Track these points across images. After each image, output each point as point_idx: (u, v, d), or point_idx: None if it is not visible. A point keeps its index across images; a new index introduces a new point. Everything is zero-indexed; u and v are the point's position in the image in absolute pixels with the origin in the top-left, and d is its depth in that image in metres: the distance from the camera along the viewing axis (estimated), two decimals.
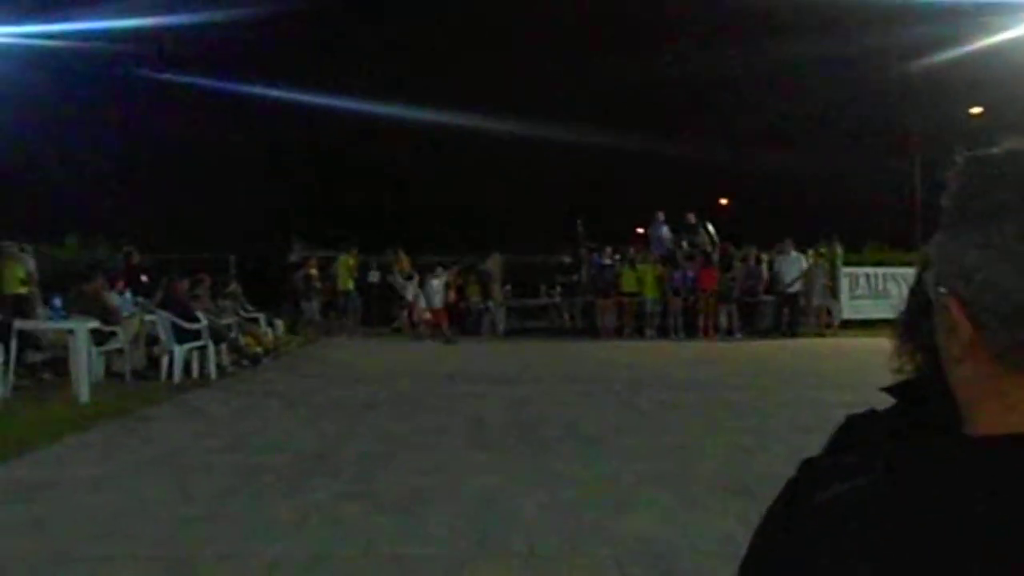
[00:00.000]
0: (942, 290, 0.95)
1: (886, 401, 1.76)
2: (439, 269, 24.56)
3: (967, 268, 0.91)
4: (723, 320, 23.98)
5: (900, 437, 1.12)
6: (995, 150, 0.96)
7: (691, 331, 23.54)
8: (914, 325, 1.91)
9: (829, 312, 24.96)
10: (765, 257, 24.40)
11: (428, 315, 23.98)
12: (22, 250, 19.61)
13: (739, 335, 23.38)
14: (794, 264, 23.87)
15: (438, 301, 23.76)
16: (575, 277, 25.46)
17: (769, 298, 24.04)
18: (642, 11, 44.03)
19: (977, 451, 0.89)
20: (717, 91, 46.97)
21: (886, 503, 0.85)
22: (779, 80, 44.22)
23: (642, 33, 46.53)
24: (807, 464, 1.46)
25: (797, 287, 23.82)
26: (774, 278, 23.96)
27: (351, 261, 25.55)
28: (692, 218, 26.20)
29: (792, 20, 37.36)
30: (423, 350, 20.63)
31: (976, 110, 37.26)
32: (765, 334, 23.36)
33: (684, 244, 25.07)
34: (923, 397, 1.66)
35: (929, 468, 0.87)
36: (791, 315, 23.86)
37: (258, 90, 41.51)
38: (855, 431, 1.72)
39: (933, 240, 1.00)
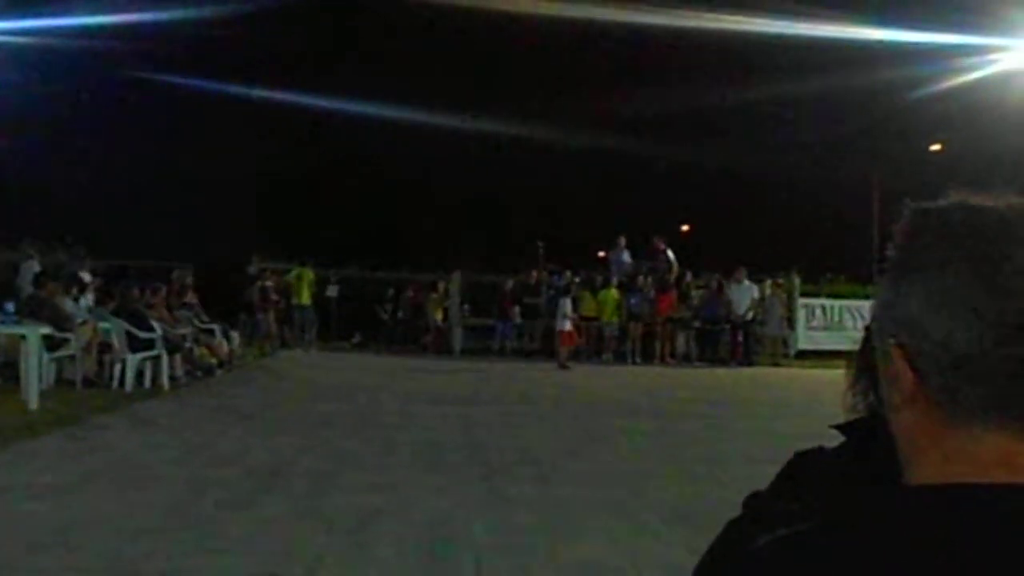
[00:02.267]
0: (890, 340, 0.96)
1: (837, 437, 1.76)
2: (572, 287, 23.77)
3: (909, 318, 0.93)
4: (680, 346, 24.06)
5: (846, 480, 1.12)
6: (942, 202, 0.98)
7: (648, 357, 23.59)
8: (869, 363, 1.92)
9: (785, 342, 25.12)
10: (725, 284, 24.50)
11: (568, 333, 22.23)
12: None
13: (696, 362, 23.47)
14: (746, 292, 24.00)
15: (566, 321, 22.04)
16: (530, 299, 25.38)
17: (728, 326, 24.12)
18: (617, 43, 44.28)
19: (913, 502, 0.89)
20: (682, 122, 47.26)
21: (821, 552, 0.85)
22: (745, 114, 44.63)
23: (616, 63, 46.80)
24: (751, 500, 1.46)
25: (750, 315, 23.95)
26: (728, 306, 24.07)
27: (310, 275, 25.38)
28: (662, 244, 26.14)
29: (761, 58, 37.73)
30: (378, 367, 20.53)
31: (935, 147, 37.78)
32: (723, 362, 23.45)
33: (644, 270, 25.04)
34: (873, 436, 1.67)
35: (866, 518, 0.87)
36: (745, 343, 23.97)
37: (220, 93, 41.30)
38: (803, 468, 1.72)
39: (877, 288, 1.02)
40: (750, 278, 24.51)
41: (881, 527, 0.86)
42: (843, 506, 0.91)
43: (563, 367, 21.05)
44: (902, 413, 0.96)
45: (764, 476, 1.78)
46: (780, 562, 0.86)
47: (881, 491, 0.93)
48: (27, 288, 16.25)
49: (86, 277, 19.28)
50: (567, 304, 21.96)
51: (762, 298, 24.29)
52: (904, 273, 0.96)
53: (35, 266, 19.74)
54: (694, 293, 24.72)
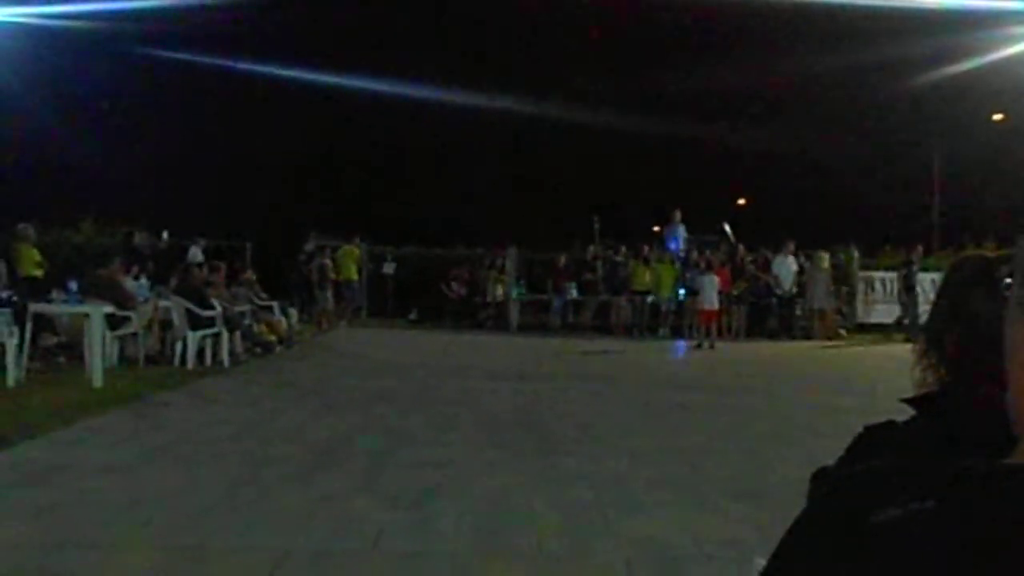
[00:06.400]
0: None
1: (901, 409, 1.74)
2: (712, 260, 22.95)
3: None
4: (735, 321, 23.87)
5: (939, 457, 1.07)
6: None
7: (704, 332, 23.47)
8: (939, 336, 1.90)
9: (842, 314, 24.85)
10: (771, 258, 24.33)
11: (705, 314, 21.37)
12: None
13: (745, 337, 23.26)
14: (790, 266, 23.80)
15: (714, 299, 21.25)
16: (589, 275, 25.38)
17: (774, 300, 23.96)
18: (669, 15, 43.88)
19: None
20: (739, 95, 46.79)
21: (947, 537, 0.77)
22: (802, 86, 44.05)
23: (668, 36, 46.38)
24: (819, 476, 1.43)
25: (794, 289, 23.75)
26: (773, 280, 23.88)
27: (356, 251, 25.57)
28: (728, 228, 26.01)
29: (817, 28, 37.25)
30: (434, 343, 20.58)
31: (998, 117, 37.15)
32: (772, 336, 23.28)
33: (706, 250, 24.81)
34: (945, 411, 1.65)
35: (992, 503, 0.79)
36: (786, 317, 23.79)
37: (277, 74, 41.44)
38: (873, 442, 1.70)
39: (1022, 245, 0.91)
40: (804, 251, 24.32)
41: (1007, 512, 0.77)
42: (959, 487, 0.82)
43: (699, 347, 20.65)
44: None
45: (827, 451, 1.76)
46: (902, 544, 0.79)
47: (1004, 472, 0.85)
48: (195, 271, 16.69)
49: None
50: (714, 281, 21.46)
51: (801, 271, 24.01)
52: None
53: (199, 253, 20.92)
54: (748, 267, 24.52)
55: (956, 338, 1.81)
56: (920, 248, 23.69)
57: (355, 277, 25.35)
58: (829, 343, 22.19)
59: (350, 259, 25.23)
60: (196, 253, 21.70)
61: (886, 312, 24.45)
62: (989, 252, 1.95)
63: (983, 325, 0.98)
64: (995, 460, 0.85)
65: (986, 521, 0.77)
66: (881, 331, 23.12)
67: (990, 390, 0.92)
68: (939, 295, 1.96)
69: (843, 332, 24.03)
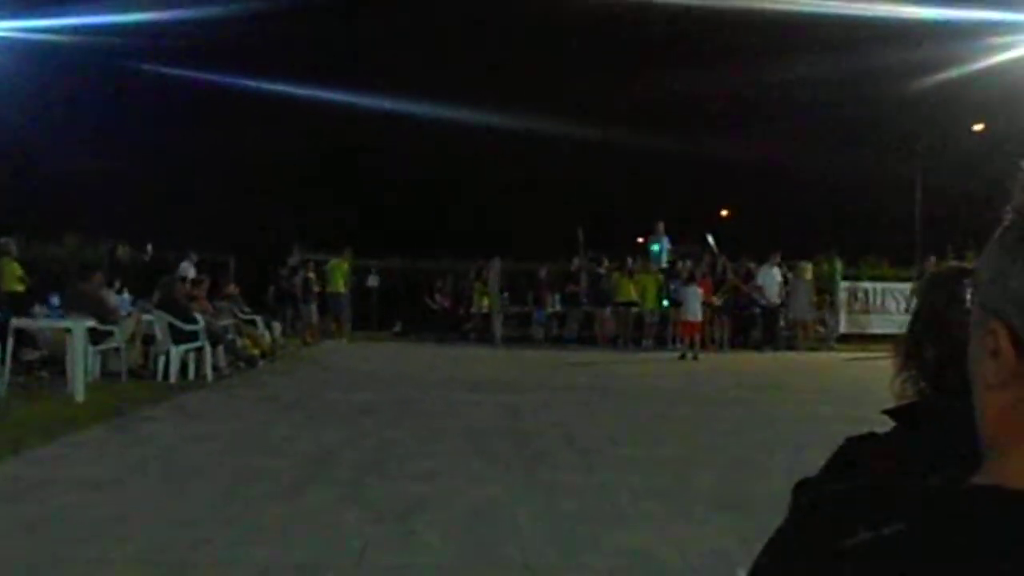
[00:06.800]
0: (993, 315, 0.85)
1: (885, 420, 1.75)
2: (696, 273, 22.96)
3: (1019, 292, 0.82)
4: (717, 332, 23.88)
5: (915, 472, 1.07)
6: None
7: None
8: (917, 348, 1.91)
9: (824, 324, 24.92)
10: (755, 269, 24.38)
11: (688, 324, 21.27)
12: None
13: (727, 348, 23.27)
14: (776, 277, 23.86)
15: (697, 311, 21.19)
16: (573, 287, 25.38)
17: (758, 311, 24.00)
18: (652, 25, 44.06)
19: (1012, 509, 0.78)
20: (720, 105, 46.99)
21: (915, 561, 0.77)
22: (783, 96, 44.26)
23: (652, 46, 46.52)
24: (801, 489, 1.43)
25: (777, 300, 23.79)
26: (756, 291, 23.92)
27: (345, 265, 25.52)
28: (711, 239, 26.06)
29: (800, 37, 37.44)
30: (419, 356, 20.57)
31: (978, 127, 37.34)
32: (755, 347, 23.31)
33: (687, 262, 24.83)
34: (926, 423, 1.66)
35: (961, 526, 0.78)
36: (769, 328, 23.84)
37: (260, 87, 41.44)
38: (855, 454, 1.71)
39: (986, 252, 0.90)
40: (787, 262, 24.39)
41: (977, 538, 0.77)
42: (928, 510, 0.81)
43: (683, 358, 20.57)
44: (994, 393, 0.85)
45: (810, 462, 1.77)
46: (868, 569, 0.78)
47: (971, 495, 0.83)
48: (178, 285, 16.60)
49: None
50: (697, 292, 21.43)
51: (784, 281, 24.06)
52: (1019, 241, 0.84)
53: (190, 268, 20.79)
54: (730, 278, 24.54)
55: (935, 350, 1.82)
56: (933, 259, 23.45)
57: (342, 290, 25.30)
58: (812, 353, 22.26)
59: (338, 272, 25.17)
60: (187, 268, 21.55)
61: (870, 323, 24.53)
62: (969, 263, 1.97)
63: (960, 337, 0.97)
64: (963, 479, 0.85)
65: (952, 544, 0.76)
66: (865, 341, 23.14)
67: (969, 403, 0.92)
68: (918, 306, 1.97)
69: (832, 343, 24.14)
